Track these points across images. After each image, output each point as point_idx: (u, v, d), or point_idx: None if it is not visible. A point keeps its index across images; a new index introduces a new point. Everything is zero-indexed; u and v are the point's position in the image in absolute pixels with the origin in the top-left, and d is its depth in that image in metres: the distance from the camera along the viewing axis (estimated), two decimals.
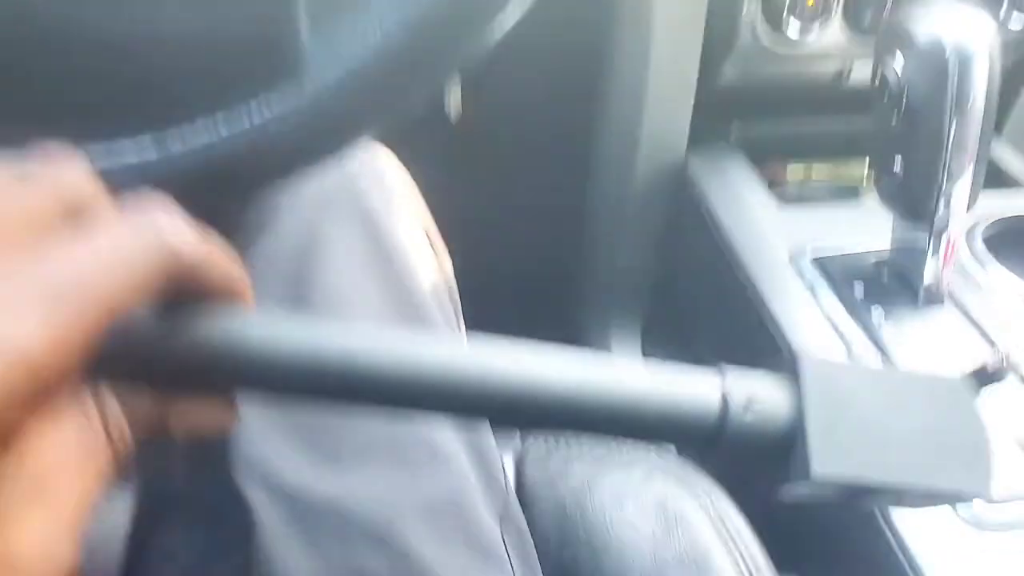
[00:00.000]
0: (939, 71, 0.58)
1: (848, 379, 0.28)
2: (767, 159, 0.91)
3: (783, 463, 0.27)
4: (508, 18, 0.39)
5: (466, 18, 0.38)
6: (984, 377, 0.57)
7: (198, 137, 0.37)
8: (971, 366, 0.58)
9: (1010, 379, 0.57)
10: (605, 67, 0.92)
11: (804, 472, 0.26)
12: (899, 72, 0.61)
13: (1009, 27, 0.82)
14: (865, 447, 0.27)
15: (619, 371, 0.27)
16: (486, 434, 0.51)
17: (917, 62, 0.60)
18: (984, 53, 0.58)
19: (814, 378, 0.27)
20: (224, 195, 0.40)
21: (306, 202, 0.52)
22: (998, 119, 0.79)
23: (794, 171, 0.92)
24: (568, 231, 1.07)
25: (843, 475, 0.26)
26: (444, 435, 0.47)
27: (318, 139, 0.40)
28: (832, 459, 0.26)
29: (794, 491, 0.27)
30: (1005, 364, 0.58)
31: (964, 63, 0.57)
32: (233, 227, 0.47)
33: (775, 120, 0.94)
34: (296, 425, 0.45)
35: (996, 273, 0.71)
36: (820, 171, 0.92)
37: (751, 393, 0.27)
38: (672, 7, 0.82)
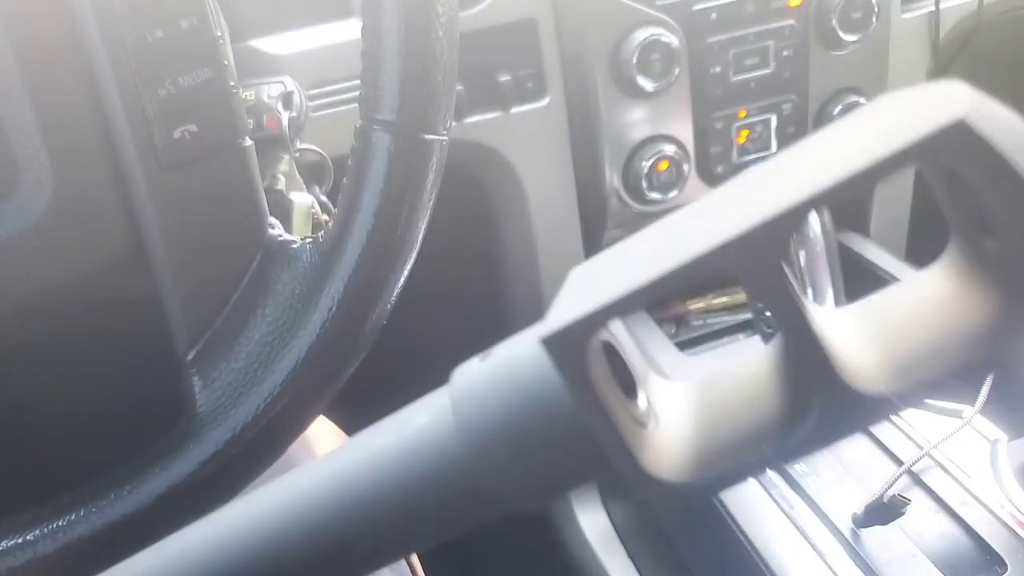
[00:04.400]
0: None
1: None
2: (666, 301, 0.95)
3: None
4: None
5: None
6: (881, 512, 0.56)
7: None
8: (864, 501, 0.57)
9: (914, 504, 0.57)
10: (496, 262, 0.96)
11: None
12: None
13: None
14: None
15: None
16: None
17: None
18: None
19: None
20: None
21: None
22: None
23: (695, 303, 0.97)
24: None
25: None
26: None
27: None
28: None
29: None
30: (901, 495, 0.57)
31: None
32: None
33: None
34: None
35: None
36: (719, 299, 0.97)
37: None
38: (544, 195, 0.88)
